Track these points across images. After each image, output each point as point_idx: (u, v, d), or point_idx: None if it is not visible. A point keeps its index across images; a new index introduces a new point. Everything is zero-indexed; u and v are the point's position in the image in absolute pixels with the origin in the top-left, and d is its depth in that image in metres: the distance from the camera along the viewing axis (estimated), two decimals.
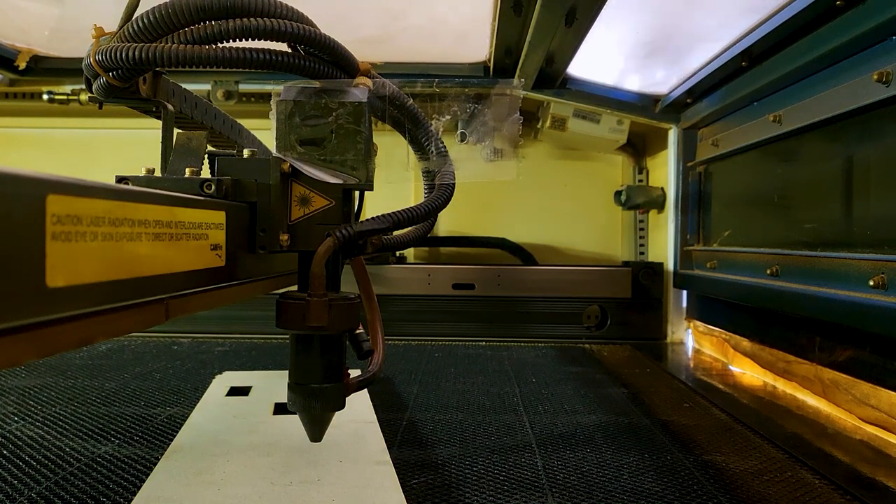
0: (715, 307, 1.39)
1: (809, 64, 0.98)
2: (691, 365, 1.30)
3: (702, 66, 1.27)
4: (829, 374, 0.95)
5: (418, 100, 0.67)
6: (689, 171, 1.50)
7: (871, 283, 0.80)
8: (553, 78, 1.44)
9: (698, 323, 1.48)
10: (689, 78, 1.34)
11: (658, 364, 1.27)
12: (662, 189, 1.60)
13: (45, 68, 1.50)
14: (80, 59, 0.57)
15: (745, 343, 1.23)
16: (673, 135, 1.52)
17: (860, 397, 0.87)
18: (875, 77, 0.81)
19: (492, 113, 0.74)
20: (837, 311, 0.87)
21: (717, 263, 1.32)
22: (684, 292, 1.53)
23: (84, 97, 0.66)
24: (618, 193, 1.66)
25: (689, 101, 1.43)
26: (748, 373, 1.21)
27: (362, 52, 0.63)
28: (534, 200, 1.75)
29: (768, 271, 1.08)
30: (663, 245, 1.59)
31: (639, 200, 1.63)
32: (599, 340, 1.51)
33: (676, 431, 0.81)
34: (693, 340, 1.51)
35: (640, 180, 1.73)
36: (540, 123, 1.58)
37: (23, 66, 1.46)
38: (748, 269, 1.18)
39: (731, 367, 1.27)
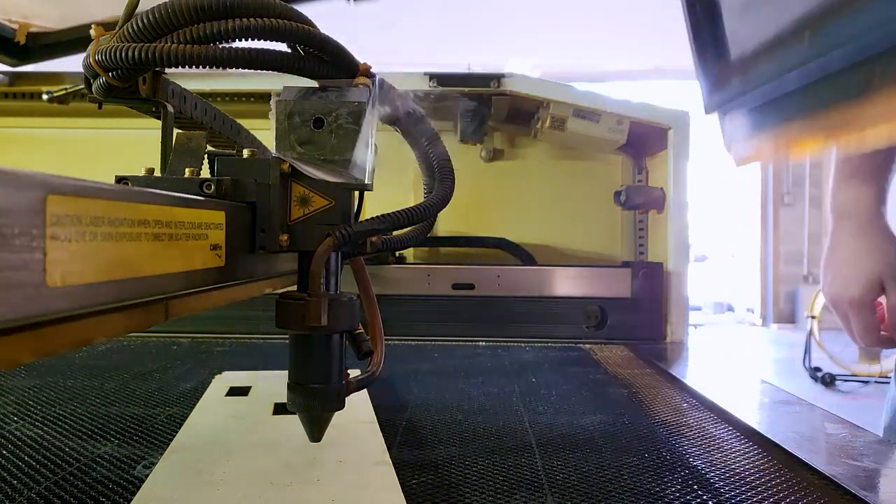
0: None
1: None
2: (691, 365, 1.30)
3: None
4: None
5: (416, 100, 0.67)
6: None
7: None
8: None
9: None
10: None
11: (658, 364, 1.27)
12: (662, 189, 1.60)
13: (45, 44, 1.47)
14: (80, 30, 0.57)
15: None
16: (673, 135, 1.52)
17: None
18: None
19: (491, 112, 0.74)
20: None
21: None
22: (684, 292, 1.53)
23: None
24: (617, 193, 1.65)
25: None
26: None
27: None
28: (534, 200, 1.75)
29: None
30: (663, 245, 1.59)
31: (639, 200, 1.63)
32: (599, 340, 1.51)
33: (676, 431, 0.81)
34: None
35: (640, 180, 1.73)
36: (540, 123, 1.58)
37: (23, 40, 1.43)
38: None
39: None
